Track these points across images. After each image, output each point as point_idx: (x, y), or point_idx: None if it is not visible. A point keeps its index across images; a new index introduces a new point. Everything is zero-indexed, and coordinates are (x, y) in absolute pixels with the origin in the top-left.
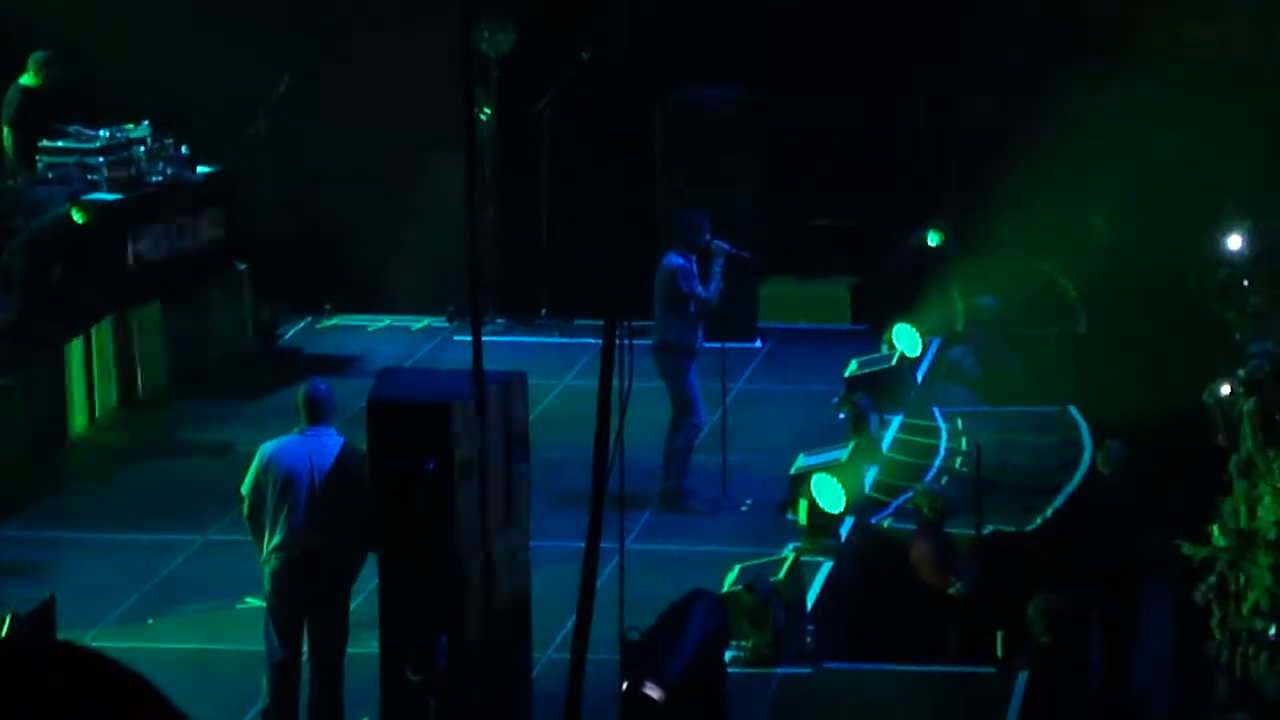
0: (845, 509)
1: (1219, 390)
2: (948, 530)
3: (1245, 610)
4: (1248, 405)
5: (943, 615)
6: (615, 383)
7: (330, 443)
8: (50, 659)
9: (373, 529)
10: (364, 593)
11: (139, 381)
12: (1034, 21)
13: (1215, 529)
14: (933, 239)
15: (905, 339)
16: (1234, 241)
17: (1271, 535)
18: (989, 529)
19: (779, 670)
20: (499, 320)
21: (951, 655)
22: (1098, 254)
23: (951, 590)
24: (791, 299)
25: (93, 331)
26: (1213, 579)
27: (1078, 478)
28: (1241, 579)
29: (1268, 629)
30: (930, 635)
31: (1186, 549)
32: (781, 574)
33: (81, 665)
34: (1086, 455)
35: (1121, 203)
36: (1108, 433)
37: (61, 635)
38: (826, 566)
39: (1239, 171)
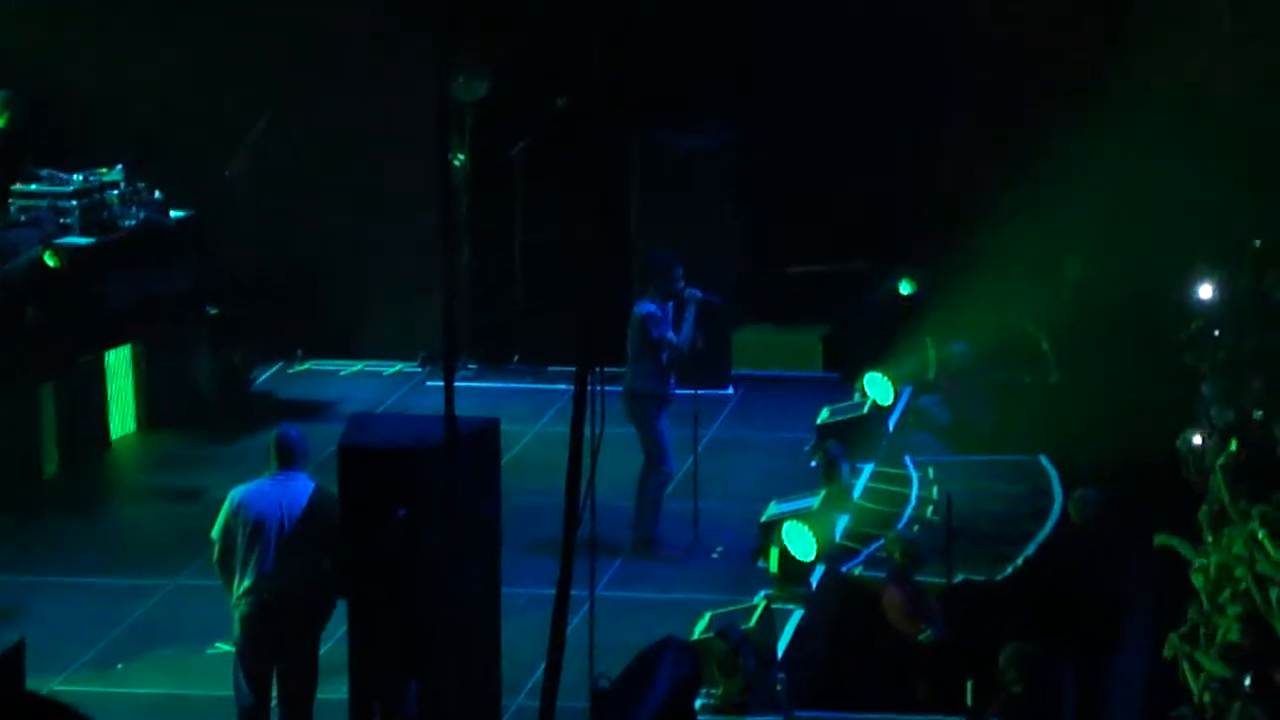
0: (816, 557)
1: (1190, 440)
2: (919, 578)
3: (1212, 660)
4: (1221, 458)
5: (913, 663)
6: (587, 429)
7: (301, 487)
8: (15, 710)
9: (343, 574)
10: (333, 638)
11: (109, 425)
12: (1006, 68)
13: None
14: (905, 287)
15: (877, 387)
16: (1205, 291)
17: (1243, 586)
18: (960, 577)
19: (749, 718)
20: (471, 366)
21: (921, 703)
22: (1073, 298)
23: (922, 637)
24: (764, 346)
25: (64, 376)
26: (1184, 629)
27: (1049, 526)
28: (1215, 630)
29: (1242, 679)
30: (901, 683)
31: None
32: (752, 621)
33: (46, 716)
34: (1057, 504)
35: (1095, 251)
36: (1079, 482)
37: (31, 680)
38: (797, 614)
39: (1217, 218)
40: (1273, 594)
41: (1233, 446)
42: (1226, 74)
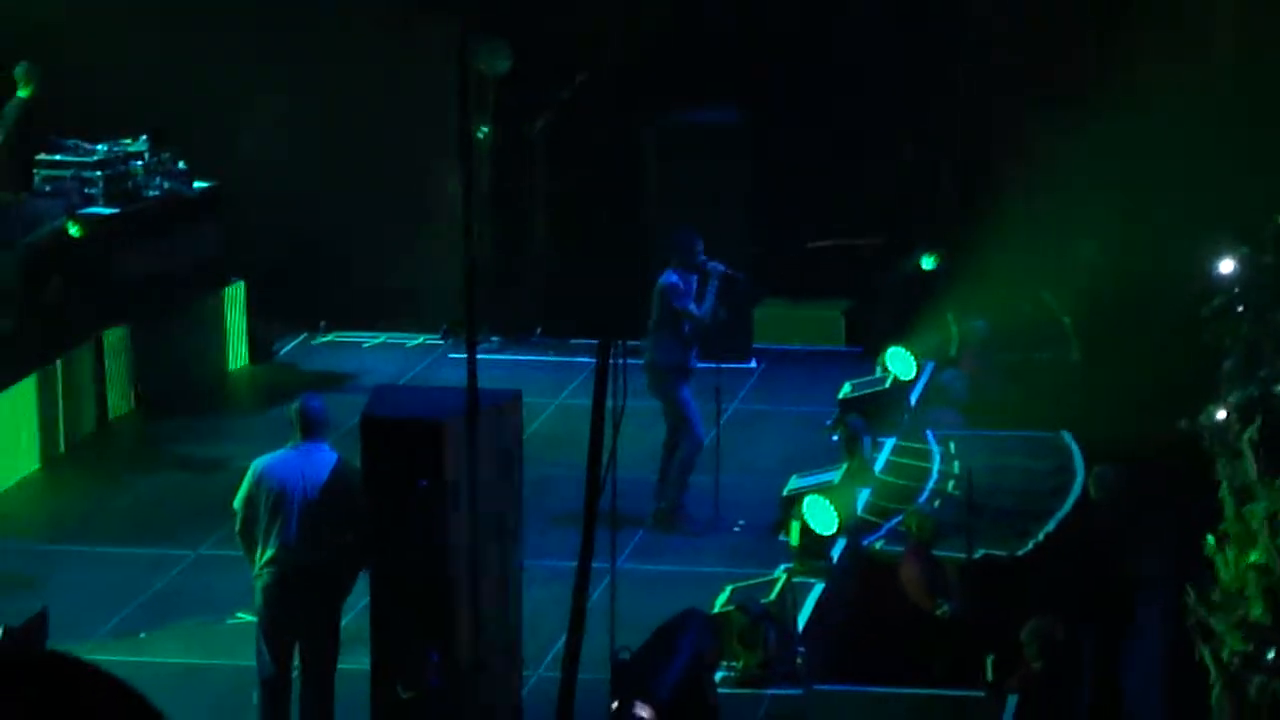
0: (837, 531)
1: (1213, 416)
2: (938, 553)
3: (1233, 634)
4: (1249, 432)
5: (930, 637)
6: (609, 402)
7: (323, 458)
8: (43, 670)
9: (365, 545)
10: (355, 609)
11: (133, 396)
12: (1027, 49)
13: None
14: (927, 263)
15: (899, 362)
16: (1226, 267)
17: (1263, 560)
18: (980, 553)
19: (769, 691)
20: (494, 339)
21: (938, 677)
22: (1089, 278)
23: (939, 612)
24: (786, 321)
25: (86, 345)
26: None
27: (1069, 502)
28: (1237, 604)
29: (1266, 653)
30: (920, 658)
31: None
32: (773, 595)
33: (74, 677)
34: (1079, 480)
35: (1115, 229)
36: (1100, 458)
37: (53, 648)
38: (818, 588)
39: (1237, 195)
40: None
41: (1257, 422)
42: (1228, 42)
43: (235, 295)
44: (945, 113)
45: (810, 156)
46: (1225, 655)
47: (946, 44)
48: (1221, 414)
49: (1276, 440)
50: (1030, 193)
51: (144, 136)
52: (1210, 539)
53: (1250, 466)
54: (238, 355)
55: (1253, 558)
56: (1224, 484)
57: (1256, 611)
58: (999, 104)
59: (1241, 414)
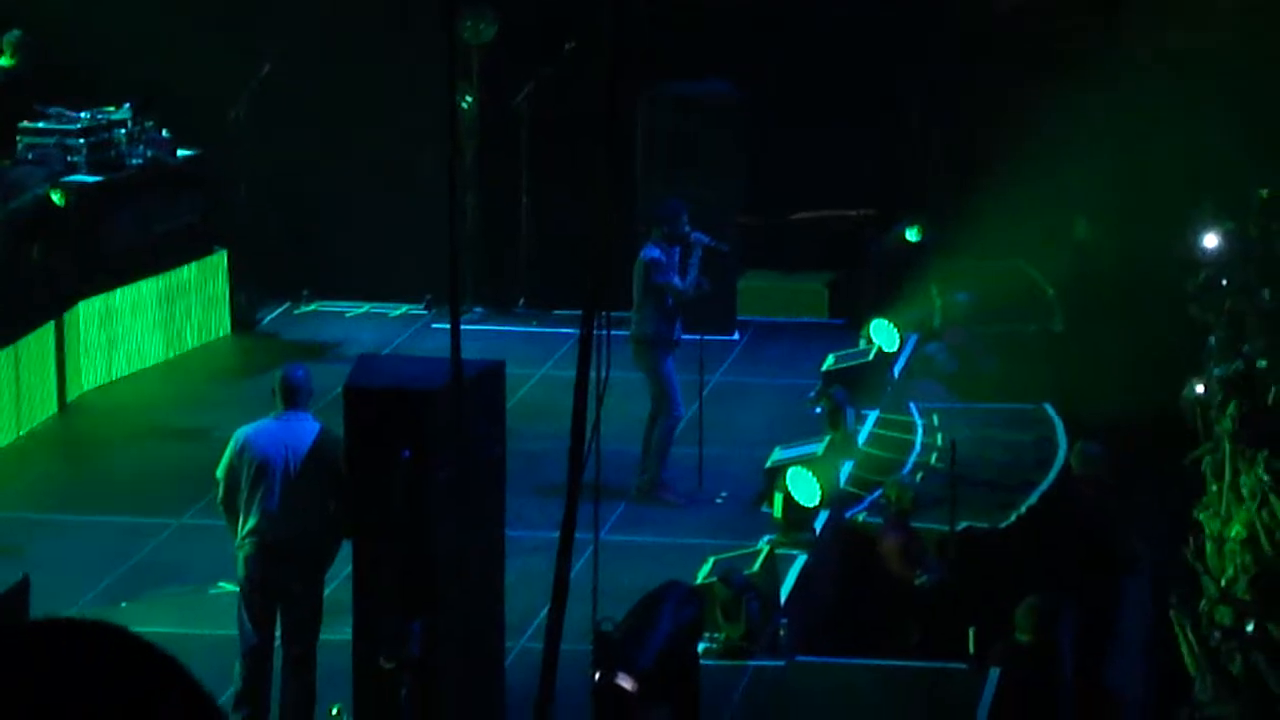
0: (820, 503)
1: (1196, 389)
2: (922, 524)
3: (1214, 608)
4: (1231, 407)
5: (910, 608)
6: (593, 373)
7: (306, 428)
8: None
9: (348, 515)
10: (338, 579)
11: (111, 365)
12: (1016, 20)
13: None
14: (912, 235)
15: (883, 334)
16: (1210, 241)
17: (1245, 534)
18: (963, 525)
19: (752, 663)
20: (477, 309)
21: (914, 648)
22: (1079, 256)
23: (918, 582)
24: (770, 293)
25: (66, 315)
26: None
27: (1052, 475)
28: (1217, 580)
29: (1245, 625)
30: (901, 629)
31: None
32: (756, 567)
33: (86, 635)
34: (1061, 453)
35: (1103, 204)
36: (1083, 431)
37: (35, 617)
38: (801, 560)
39: (1222, 170)
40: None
41: (1236, 399)
42: (1226, 13)
43: (218, 264)
44: (933, 84)
45: (798, 128)
46: (1204, 628)
47: (936, 15)
48: (1202, 388)
49: (1258, 415)
50: (1016, 165)
51: (127, 105)
52: (1197, 512)
53: (1230, 439)
54: (220, 324)
55: (1234, 531)
56: (1206, 458)
57: (1239, 586)
58: (986, 75)
59: (1224, 388)
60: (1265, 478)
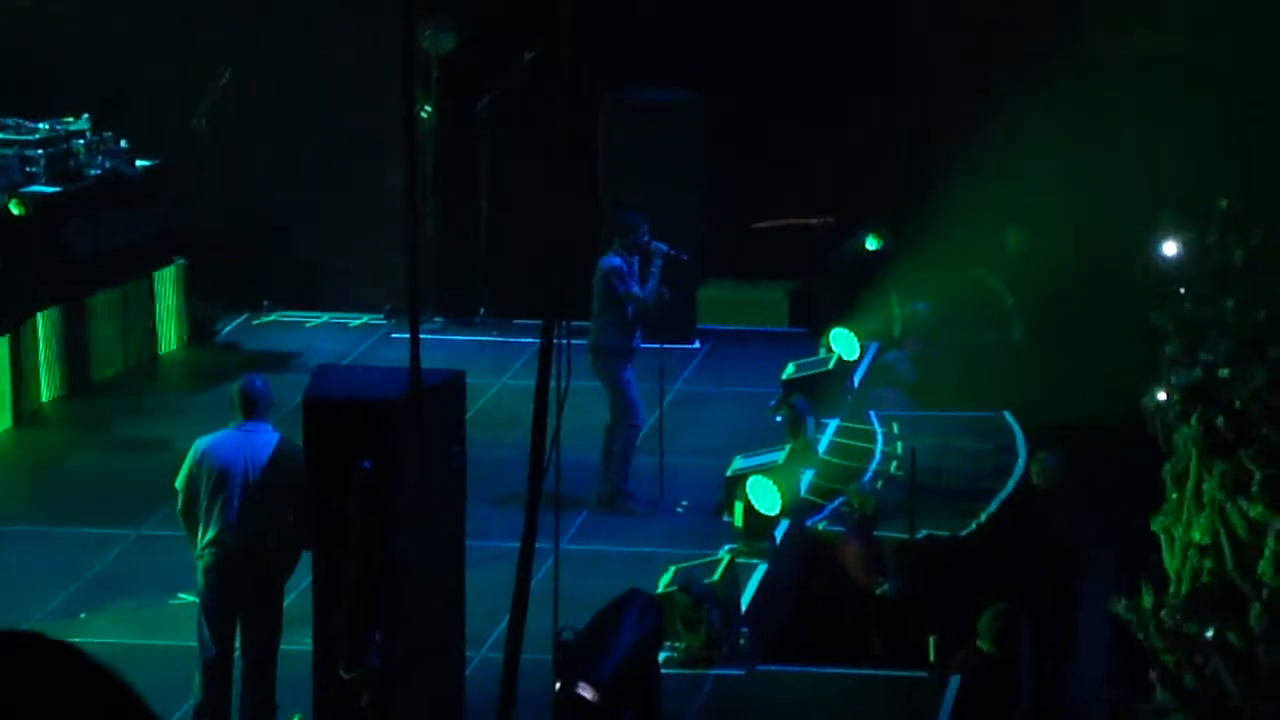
0: (781, 512)
1: (1155, 397)
2: (882, 533)
3: (1172, 615)
4: (1192, 417)
5: (869, 617)
6: (553, 383)
7: (266, 438)
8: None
9: (307, 526)
10: (297, 589)
11: (70, 376)
12: (975, 29)
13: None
14: (871, 243)
15: (843, 343)
16: (1170, 248)
17: (1206, 540)
18: (923, 533)
19: (712, 672)
20: (437, 319)
21: (876, 656)
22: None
23: (879, 591)
24: (730, 301)
25: (27, 325)
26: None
27: (1011, 483)
28: (1176, 587)
29: (1204, 632)
30: (862, 638)
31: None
32: (716, 576)
33: (34, 652)
34: (1020, 461)
35: (1061, 212)
36: (1042, 439)
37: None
38: (761, 569)
39: (1182, 178)
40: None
41: (1200, 406)
42: (1179, 22)
43: (177, 274)
44: (893, 93)
45: (758, 136)
46: (1154, 634)
47: (896, 25)
48: (1163, 396)
49: (1218, 423)
50: (975, 174)
51: (85, 115)
52: (1154, 522)
53: (1192, 449)
54: (178, 334)
55: (1195, 538)
56: (1166, 466)
57: (1198, 593)
58: (947, 84)
59: (1184, 396)
60: (1224, 489)
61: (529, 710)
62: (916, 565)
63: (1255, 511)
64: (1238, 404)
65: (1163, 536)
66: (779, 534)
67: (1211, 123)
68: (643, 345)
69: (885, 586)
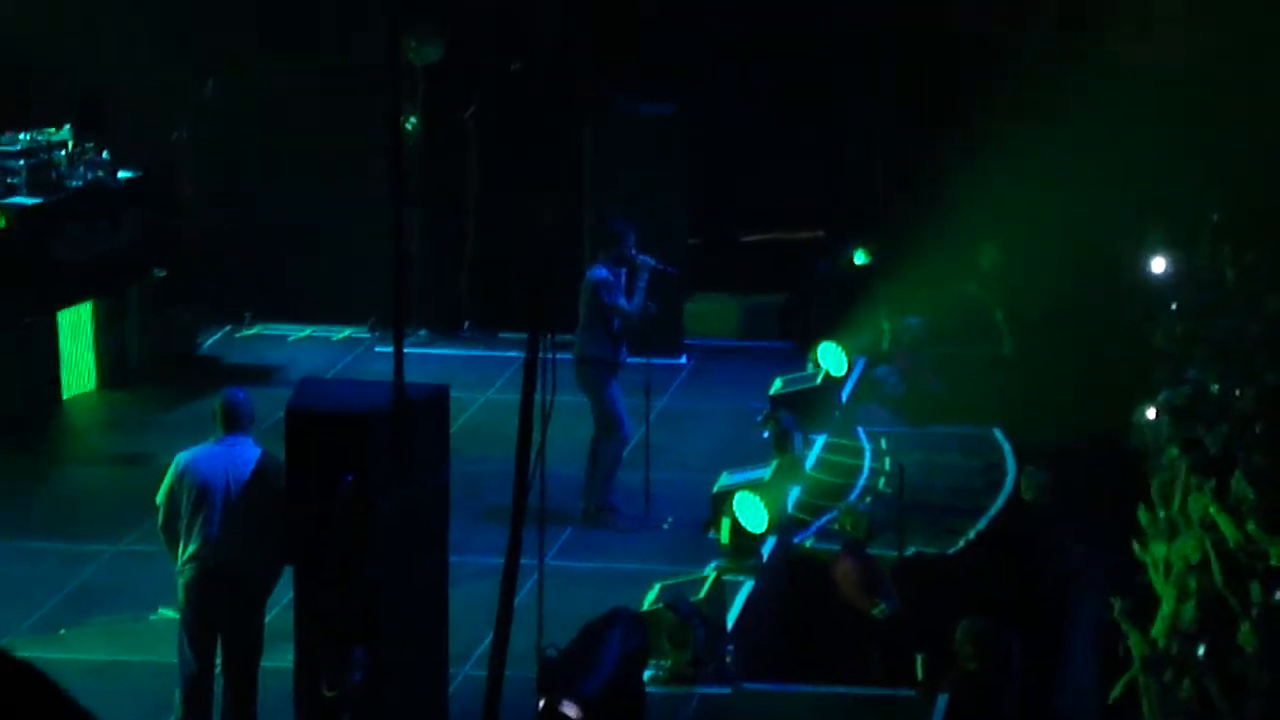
0: (768, 528)
1: (1145, 414)
2: (871, 551)
3: (1163, 634)
4: (1180, 432)
5: (865, 636)
6: (538, 397)
7: (247, 453)
8: None
9: (289, 541)
10: (279, 605)
11: (50, 390)
12: (963, 44)
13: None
14: (860, 258)
15: (831, 358)
16: (1158, 265)
17: (1195, 558)
18: (911, 550)
19: (698, 690)
20: (421, 332)
21: (873, 677)
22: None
23: (875, 611)
24: (718, 315)
25: (6, 338)
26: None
27: (1000, 500)
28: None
29: (1196, 650)
30: (851, 657)
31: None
32: (702, 593)
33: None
34: (1010, 477)
35: (1050, 228)
36: (1032, 455)
37: None
38: (748, 586)
39: (1170, 192)
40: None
41: (1187, 423)
42: (1175, 45)
43: (159, 286)
44: (882, 108)
45: (746, 149)
46: (1146, 652)
47: (885, 39)
48: (1152, 413)
49: (1206, 442)
50: (965, 189)
51: (67, 126)
52: (1144, 537)
53: (1181, 466)
54: (160, 347)
55: (1183, 555)
56: (1154, 482)
57: (1187, 611)
58: (936, 99)
59: (1173, 413)
60: (1214, 505)
61: None
62: (905, 583)
63: (1249, 528)
64: (1226, 427)
65: (1148, 559)
66: (766, 551)
67: (1197, 135)
68: (629, 360)
69: (882, 606)
